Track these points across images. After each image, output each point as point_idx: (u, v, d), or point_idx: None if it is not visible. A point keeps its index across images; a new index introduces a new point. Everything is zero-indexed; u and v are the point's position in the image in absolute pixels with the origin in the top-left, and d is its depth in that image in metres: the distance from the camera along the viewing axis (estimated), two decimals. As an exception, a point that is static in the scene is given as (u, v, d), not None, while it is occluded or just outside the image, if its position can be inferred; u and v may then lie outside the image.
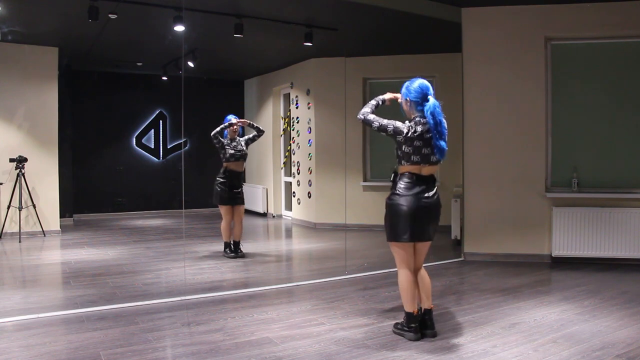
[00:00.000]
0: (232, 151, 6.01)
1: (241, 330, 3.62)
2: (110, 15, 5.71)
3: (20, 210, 7.14)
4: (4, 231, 7.13)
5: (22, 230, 7.17)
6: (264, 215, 9.73)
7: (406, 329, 3.42)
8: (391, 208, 3.35)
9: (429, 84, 3.38)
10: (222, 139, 6.04)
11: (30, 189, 7.29)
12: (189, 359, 3.11)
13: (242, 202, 6.20)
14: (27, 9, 5.95)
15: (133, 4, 5.57)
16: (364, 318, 3.88)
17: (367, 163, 8.45)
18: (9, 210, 7.14)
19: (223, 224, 6.14)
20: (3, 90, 7.20)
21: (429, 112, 3.23)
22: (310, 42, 6.76)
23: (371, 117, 3.43)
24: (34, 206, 7.31)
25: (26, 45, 7.24)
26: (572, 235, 5.69)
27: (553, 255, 5.78)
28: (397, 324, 3.55)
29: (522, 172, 5.87)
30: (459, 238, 6.55)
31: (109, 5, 5.52)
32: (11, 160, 7.14)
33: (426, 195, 3.30)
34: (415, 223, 3.29)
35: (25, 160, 7.20)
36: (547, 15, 5.78)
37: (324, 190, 8.52)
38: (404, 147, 3.30)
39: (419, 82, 3.37)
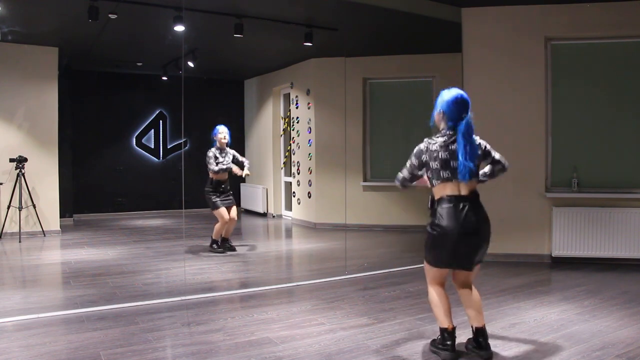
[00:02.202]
0: (222, 166, 6.25)
1: (241, 330, 3.62)
2: (110, 15, 5.71)
3: (20, 210, 7.14)
4: (4, 231, 7.12)
5: (22, 230, 7.17)
6: (264, 215, 9.73)
7: (440, 346, 3.10)
8: (431, 236, 3.06)
9: (467, 99, 3.06)
10: (211, 153, 6.24)
11: (30, 189, 7.29)
12: (189, 359, 3.11)
13: (234, 203, 6.44)
14: (27, 9, 5.94)
15: (133, 4, 5.57)
16: (364, 318, 3.88)
17: (367, 163, 8.45)
18: (9, 210, 7.14)
19: (219, 226, 6.32)
20: (3, 90, 7.20)
21: (460, 133, 2.97)
22: (310, 42, 6.76)
23: (400, 175, 3.24)
24: (34, 206, 7.31)
25: (26, 45, 7.24)
26: (572, 235, 5.69)
27: (553, 255, 5.78)
28: (433, 340, 3.24)
29: (522, 172, 5.86)
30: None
31: (109, 5, 5.52)
32: (11, 160, 7.14)
33: (471, 219, 2.98)
34: (457, 252, 3.00)
35: (25, 160, 7.20)
36: (547, 15, 5.78)
37: (324, 190, 8.52)
38: (431, 164, 3.04)
39: (454, 96, 3.05)
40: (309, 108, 8.76)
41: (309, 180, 8.76)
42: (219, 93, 10.21)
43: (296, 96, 9.16)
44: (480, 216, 3.05)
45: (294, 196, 9.27)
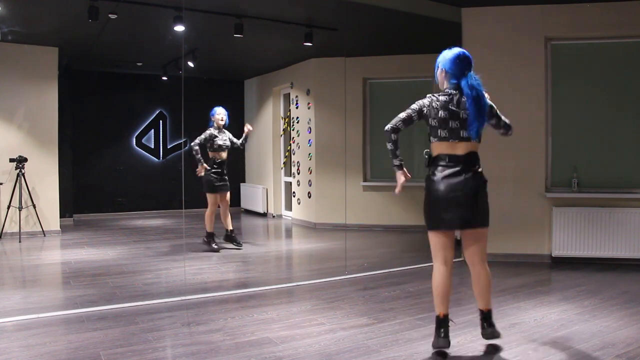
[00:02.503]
0: (220, 142, 6.34)
1: (241, 330, 3.62)
2: (110, 15, 5.71)
3: (20, 210, 7.14)
4: (4, 231, 7.13)
5: (22, 230, 7.17)
6: (264, 215, 9.73)
7: (435, 334, 3.12)
8: (425, 193, 3.08)
9: (469, 56, 3.05)
10: (208, 132, 6.31)
11: (30, 189, 7.29)
12: (189, 359, 3.11)
13: (229, 189, 6.50)
14: (27, 9, 5.94)
15: (133, 4, 5.57)
16: (364, 318, 3.88)
17: (367, 163, 8.46)
18: (9, 210, 7.14)
19: (208, 212, 6.41)
20: (3, 90, 7.20)
21: (467, 86, 2.94)
22: (310, 42, 6.76)
23: (394, 120, 3.10)
24: (34, 206, 7.31)
25: (26, 45, 7.24)
26: (572, 235, 5.69)
27: (553, 255, 5.78)
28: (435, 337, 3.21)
29: (522, 172, 5.87)
30: (459, 238, 6.54)
31: (109, 5, 5.52)
32: (11, 160, 7.15)
33: (461, 177, 2.97)
34: (449, 209, 2.99)
35: (25, 160, 7.20)
36: (547, 15, 5.78)
37: (324, 190, 8.52)
38: (430, 120, 3.04)
39: (457, 53, 3.05)
40: (309, 108, 8.76)
41: (309, 180, 8.76)
42: (219, 93, 10.22)
43: (296, 96, 9.16)
44: (473, 176, 3.02)
45: (294, 196, 9.27)
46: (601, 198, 5.68)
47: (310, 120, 8.73)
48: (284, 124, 9.85)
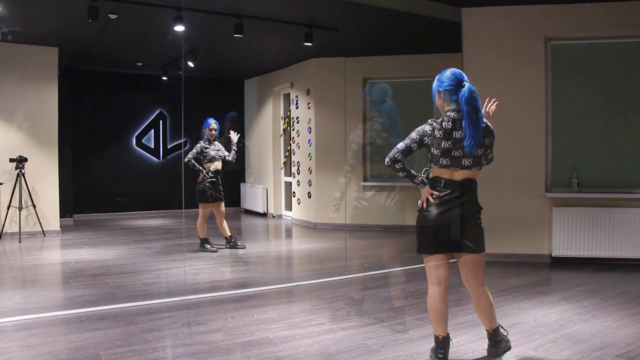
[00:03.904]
0: (213, 153, 6.38)
1: (241, 330, 3.62)
2: (110, 15, 5.71)
3: (20, 210, 7.14)
4: (4, 231, 7.12)
5: (22, 230, 7.17)
6: (264, 215, 9.73)
7: (432, 355, 3.02)
8: (417, 215, 2.99)
9: (462, 72, 2.99)
10: (198, 145, 6.37)
11: (30, 189, 7.29)
12: (189, 359, 3.11)
13: (223, 199, 6.54)
14: (27, 9, 5.94)
15: (133, 4, 5.57)
16: (364, 318, 3.88)
17: (367, 163, 8.45)
18: (9, 210, 7.14)
19: (200, 221, 6.44)
20: (3, 90, 7.20)
21: (463, 99, 2.83)
22: (310, 42, 6.76)
23: (394, 151, 2.92)
24: (34, 206, 7.31)
25: (26, 45, 7.24)
26: (572, 235, 5.69)
27: (553, 255, 5.78)
28: (433, 347, 3.10)
29: (522, 172, 5.87)
30: (459, 238, 6.54)
31: (109, 5, 5.52)
32: (11, 160, 7.14)
33: (454, 202, 2.90)
34: (439, 233, 2.92)
35: (25, 160, 7.20)
36: (547, 15, 5.78)
37: (324, 190, 8.52)
38: (432, 149, 2.91)
39: (450, 70, 2.97)
40: (309, 108, 8.76)
41: (309, 180, 8.76)
42: (219, 93, 10.22)
43: (296, 96, 9.16)
44: (467, 202, 2.93)
45: (294, 196, 9.27)
46: (601, 198, 5.68)
47: (310, 120, 8.73)
48: (284, 124, 9.85)
